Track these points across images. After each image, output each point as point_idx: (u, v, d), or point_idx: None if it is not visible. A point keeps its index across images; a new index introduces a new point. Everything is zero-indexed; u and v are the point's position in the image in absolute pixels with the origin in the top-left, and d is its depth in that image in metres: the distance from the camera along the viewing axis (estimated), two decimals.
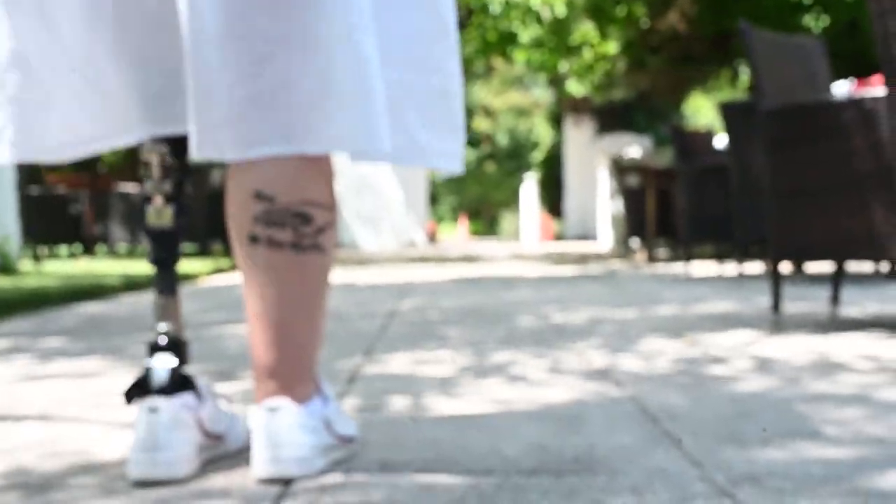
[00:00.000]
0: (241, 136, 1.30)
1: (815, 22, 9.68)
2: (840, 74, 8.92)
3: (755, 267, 7.35)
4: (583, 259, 10.24)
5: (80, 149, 1.45)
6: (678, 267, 7.95)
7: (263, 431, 1.34)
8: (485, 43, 11.95)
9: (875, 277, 5.83)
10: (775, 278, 3.26)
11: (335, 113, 1.31)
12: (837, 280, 3.52)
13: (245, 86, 1.29)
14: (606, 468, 1.38)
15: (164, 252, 1.46)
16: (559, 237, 22.70)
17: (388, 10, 1.39)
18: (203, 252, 9.89)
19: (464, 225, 33.41)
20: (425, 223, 20.22)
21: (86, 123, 1.43)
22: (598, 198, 16.34)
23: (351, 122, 1.32)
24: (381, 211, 16.75)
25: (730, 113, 5.56)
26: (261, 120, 1.30)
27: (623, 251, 11.35)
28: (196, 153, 1.31)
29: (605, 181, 14.44)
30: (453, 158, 1.50)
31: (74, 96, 1.41)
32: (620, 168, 9.91)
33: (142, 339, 3.15)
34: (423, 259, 10.85)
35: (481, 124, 36.49)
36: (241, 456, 1.49)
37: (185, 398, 1.40)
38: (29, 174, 7.53)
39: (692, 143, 7.16)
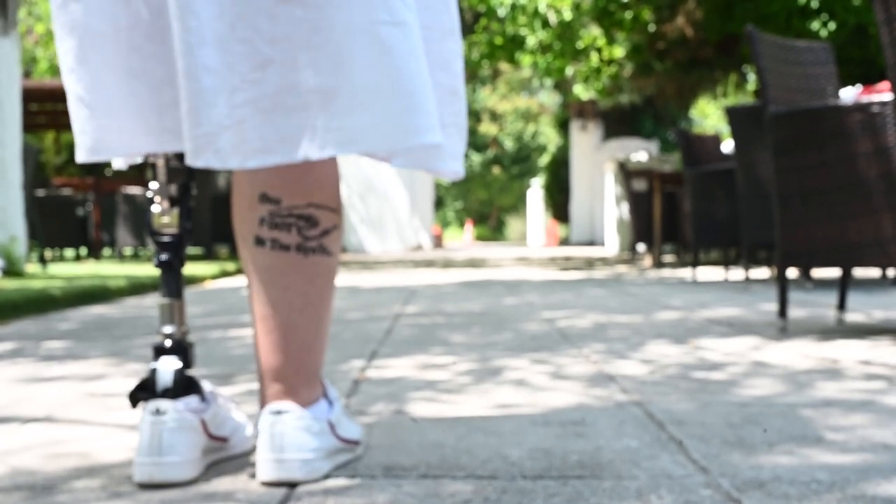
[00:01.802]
0: (243, 143, 1.26)
1: (823, 27, 9.66)
2: (848, 80, 8.92)
3: (762, 272, 7.33)
4: (589, 264, 10.23)
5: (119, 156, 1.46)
6: (684, 272, 7.93)
7: (268, 434, 1.34)
8: (492, 47, 11.95)
9: (882, 283, 5.81)
10: (782, 283, 3.25)
11: (347, 113, 1.27)
12: (844, 285, 3.51)
13: (247, 90, 1.25)
14: (612, 473, 1.38)
15: (170, 255, 1.46)
16: (565, 242, 22.68)
17: None
18: (208, 255, 9.89)
19: (470, 229, 33.41)
20: (431, 227, 20.23)
21: (115, 134, 1.42)
22: (604, 202, 16.33)
23: (368, 121, 1.26)
24: (387, 215, 16.78)
25: (736, 117, 5.56)
26: (263, 125, 1.26)
27: (629, 256, 11.33)
28: (192, 161, 1.26)
29: (611, 186, 14.43)
30: (458, 160, 1.47)
31: (108, 106, 1.40)
32: (627, 172, 9.90)
33: (147, 341, 3.15)
34: (429, 263, 10.85)
35: (488, 129, 36.50)
36: (245, 459, 1.49)
37: (190, 401, 1.40)
38: (35, 176, 7.53)
39: (699, 148, 7.15)
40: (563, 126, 23.08)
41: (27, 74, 16.22)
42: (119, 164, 1.51)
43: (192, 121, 1.24)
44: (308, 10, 1.24)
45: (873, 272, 6.65)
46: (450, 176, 1.46)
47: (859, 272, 6.70)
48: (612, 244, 14.70)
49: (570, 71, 12.26)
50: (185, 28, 1.23)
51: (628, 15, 11.17)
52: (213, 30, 1.23)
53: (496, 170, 37.38)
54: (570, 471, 1.40)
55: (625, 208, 13.10)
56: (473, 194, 39.40)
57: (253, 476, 1.38)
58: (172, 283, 1.46)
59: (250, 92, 1.25)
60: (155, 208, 1.45)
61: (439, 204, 38.37)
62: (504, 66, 19.25)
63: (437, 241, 22.08)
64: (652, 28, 11.55)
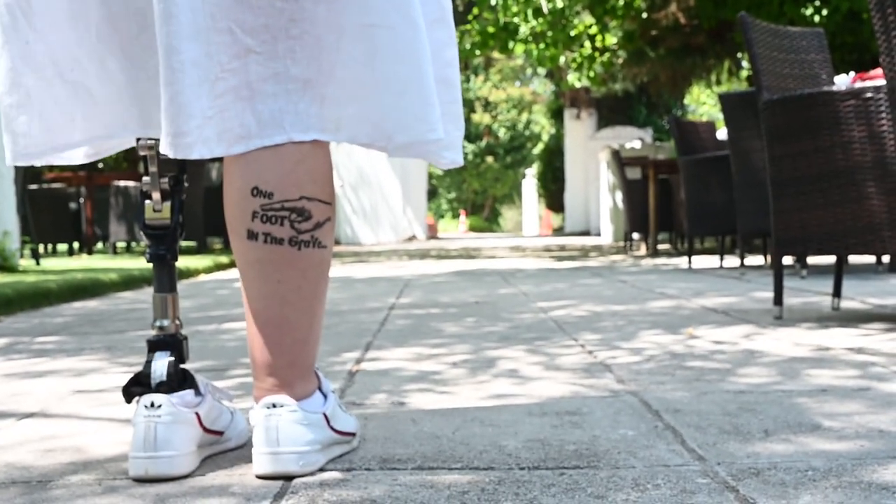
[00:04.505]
0: (225, 131, 1.29)
1: (816, 13, 9.65)
2: (842, 65, 8.91)
3: (757, 260, 7.34)
4: (583, 253, 10.23)
5: (67, 152, 1.45)
6: (679, 260, 7.94)
7: (263, 428, 1.33)
8: (484, 36, 11.92)
9: (877, 269, 5.82)
10: (777, 271, 3.25)
11: (331, 103, 1.31)
12: (839, 272, 3.51)
13: (227, 79, 1.27)
14: (608, 462, 1.38)
15: (163, 248, 1.45)
16: (560, 231, 22.69)
17: None
18: (201, 248, 9.87)
19: (464, 220, 33.40)
20: (425, 218, 20.22)
21: (69, 127, 1.41)
22: (599, 191, 16.34)
23: (355, 112, 1.31)
24: (380, 206, 16.76)
25: (729, 103, 5.55)
26: (243, 112, 1.29)
27: (624, 245, 11.33)
28: (185, 154, 1.27)
29: (605, 174, 14.43)
30: (455, 150, 1.47)
31: (56, 100, 1.39)
32: (621, 161, 9.89)
33: (140, 335, 3.14)
34: (423, 254, 10.85)
35: (481, 118, 36.45)
36: (241, 452, 1.48)
37: (185, 395, 1.39)
38: (27, 170, 7.51)
39: (693, 135, 7.13)
40: (556, 115, 23.06)
41: None
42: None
43: (183, 115, 1.25)
44: (287, 2, 1.27)
45: (868, 259, 6.66)
46: (447, 165, 1.46)
47: (854, 259, 6.71)
48: (606, 233, 14.70)
49: (563, 59, 12.24)
50: (167, 21, 1.23)
51: (621, 2, 11.15)
52: (192, 22, 1.24)
53: (490, 159, 37.34)
54: (566, 461, 1.39)
55: (619, 197, 13.10)
56: (467, 184, 39.37)
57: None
58: (165, 276, 1.46)
59: (230, 81, 1.28)
60: (147, 202, 1.45)
61: (433, 195, 38.31)
62: (497, 55, 19.22)
63: (432, 232, 22.08)
64: (645, 15, 11.53)
